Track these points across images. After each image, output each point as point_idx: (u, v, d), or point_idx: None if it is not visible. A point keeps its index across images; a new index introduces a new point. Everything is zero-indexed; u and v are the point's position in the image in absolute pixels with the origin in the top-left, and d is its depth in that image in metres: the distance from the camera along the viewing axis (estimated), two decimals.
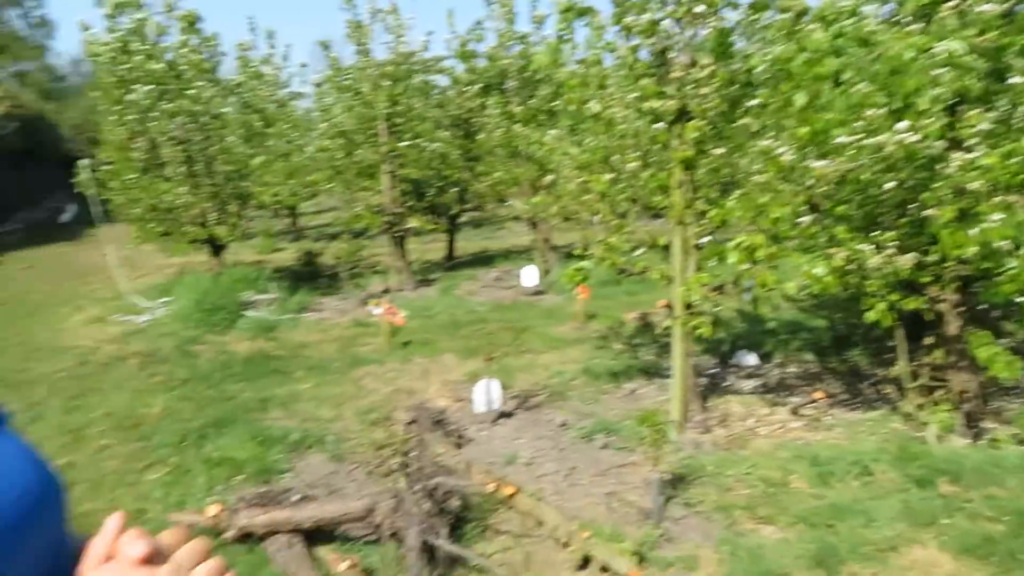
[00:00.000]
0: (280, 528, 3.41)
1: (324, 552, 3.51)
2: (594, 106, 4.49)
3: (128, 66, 8.15)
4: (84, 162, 9.32)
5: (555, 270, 10.40)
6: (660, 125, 4.37)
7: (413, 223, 10.10)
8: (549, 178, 5.27)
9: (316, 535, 3.57)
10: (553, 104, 7.69)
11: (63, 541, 0.80)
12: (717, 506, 3.90)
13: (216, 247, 9.55)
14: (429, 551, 3.21)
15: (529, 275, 9.39)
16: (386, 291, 9.81)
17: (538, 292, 9.64)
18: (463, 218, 13.17)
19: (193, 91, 8.28)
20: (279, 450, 4.76)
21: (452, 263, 11.82)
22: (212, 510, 3.51)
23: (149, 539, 0.73)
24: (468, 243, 14.60)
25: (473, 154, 10.78)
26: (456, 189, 11.02)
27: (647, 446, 3.84)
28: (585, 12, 4.46)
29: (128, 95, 8.22)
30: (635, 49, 4.38)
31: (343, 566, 3.29)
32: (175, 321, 8.24)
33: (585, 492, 4.17)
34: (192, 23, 8.52)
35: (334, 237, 15.65)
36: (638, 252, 4.87)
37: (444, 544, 3.22)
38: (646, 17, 4.23)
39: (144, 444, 4.98)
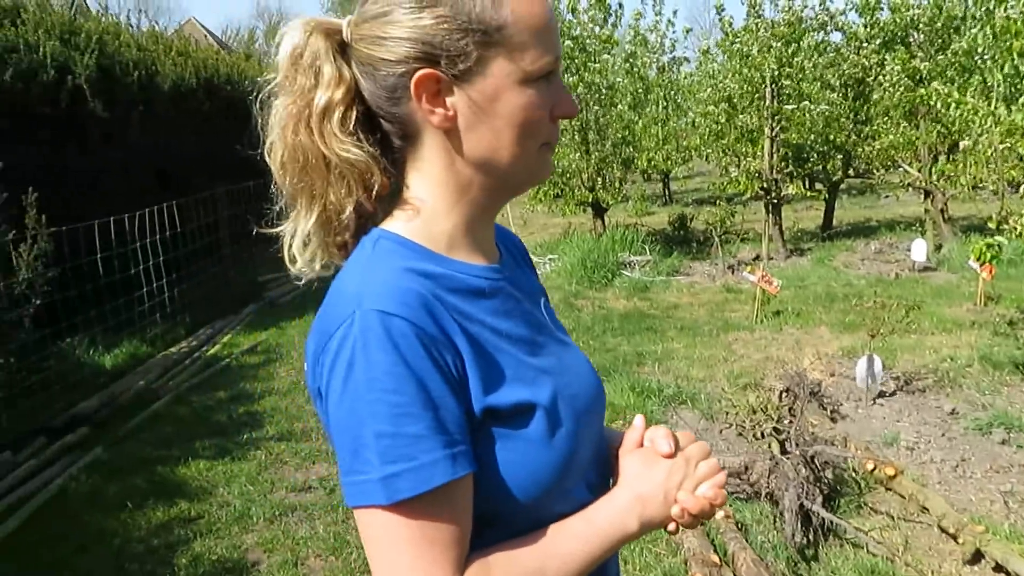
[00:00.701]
0: None
1: None
2: None
3: None
4: None
5: (949, 244, 9.39)
6: None
7: (791, 190, 9.82)
8: (965, 142, 4.82)
9: None
10: (971, 56, 6.87)
11: (602, 430, 1.09)
12: None
13: (599, 209, 10.30)
14: (804, 515, 3.31)
15: (919, 249, 8.62)
16: (756, 258, 9.73)
17: (927, 268, 8.82)
18: (844, 185, 12.41)
19: (596, 64, 8.95)
20: (655, 402, 5.15)
21: (829, 232, 11.25)
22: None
23: (673, 438, 0.99)
24: (848, 212, 13.73)
25: (864, 116, 10.08)
26: (841, 154, 10.43)
27: None
28: None
29: None
30: None
31: (718, 516, 3.54)
32: (560, 276, 9.13)
33: (978, 486, 3.89)
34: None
35: (704, 202, 15.79)
36: None
37: (820, 511, 3.29)
38: None
39: None
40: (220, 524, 3.83)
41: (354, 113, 0.94)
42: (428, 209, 0.95)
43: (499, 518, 0.90)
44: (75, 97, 6.86)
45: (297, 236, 0.98)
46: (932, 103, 5.13)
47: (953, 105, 4.72)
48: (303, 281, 1.03)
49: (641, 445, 1.02)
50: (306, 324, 7.61)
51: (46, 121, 6.51)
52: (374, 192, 0.95)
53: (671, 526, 0.97)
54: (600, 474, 1.03)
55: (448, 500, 0.82)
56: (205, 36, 28.50)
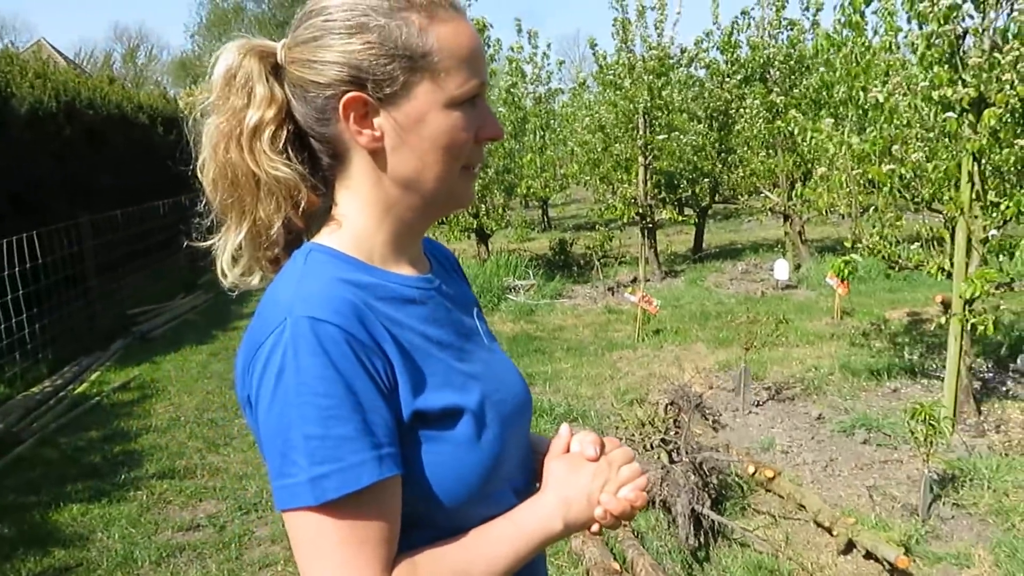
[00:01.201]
0: None
1: None
2: (877, 94, 4.44)
3: None
4: None
5: (807, 264, 10.12)
6: (950, 114, 4.24)
7: (664, 215, 10.31)
8: (820, 170, 5.24)
9: None
10: (821, 92, 7.51)
11: (528, 436, 1.14)
12: (992, 510, 3.78)
13: (483, 235, 10.44)
14: (696, 519, 3.48)
15: (781, 268, 9.24)
16: (635, 280, 10.13)
17: (789, 286, 9.46)
18: (711, 210, 13.14)
19: None
20: (547, 421, 5.26)
21: (700, 255, 11.87)
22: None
23: (600, 443, 1.04)
24: (715, 235, 14.51)
25: (728, 146, 10.76)
26: (708, 181, 11.06)
27: (916, 442, 3.81)
28: None
29: None
30: (929, 36, 4.28)
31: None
32: None
33: (846, 483, 4.21)
34: (481, 30, 9.40)
35: (581, 228, 16.27)
36: (914, 245, 4.74)
37: (710, 514, 3.47)
38: (945, 2, 4.13)
39: None
40: (101, 570, 3.61)
41: (284, 132, 0.98)
42: (357, 225, 0.99)
43: (426, 520, 0.93)
44: None
45: (227, 251, 1.01)
46: (790, 131, 5.56)
47: (809, 134, 5.13)
48: (235, 294, 1.07)
49: (567, 451, 1.06)
50: (182, 358, 7.29)
51: None
52: (301, 208, 0.99)
53: (594, 527, 1.02)
54: (526, 479, 1.08)
55: (376, 501, 0.85)
56: (56, 58, 26.88)
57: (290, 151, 0.98)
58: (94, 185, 9.27)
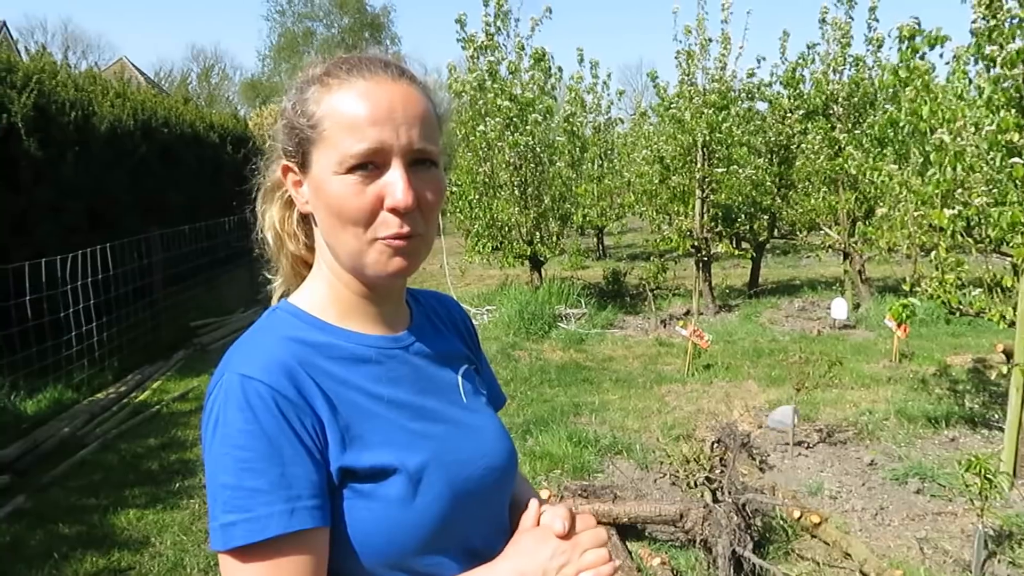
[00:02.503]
0: (600, 519, 3.85)
1: (634, 547, 3.90)
2: (944, 136, 4.37)
3: (482, 102, 9.39)
4: None
5: (867, 304, 9.90)
6: (1016, 160, 4.15)
7: (720, 248, 10.23)
8: (881, 209, 5.17)
9: (626, 531, 3.96)
10: (886, 130, 7.42)
11: (507, 499, 1.14)
12: None
13: (536, 262, 10.50)
14: (736, 562, 3.44)
15: (839, 307, 9.06)
16: (687, 313, 10.06)
17: (847, 326, 9.27)
18: (769, 245, 12.98)
19: (532, 125, 9.25)
20: (591, 452, 5.25)
21: (755, 290, 11.71)
22: (544, 494, 4.05)
23: (568, 520, 1.01)
24: (772, 271, 14.31)
25: (788, 181, 10.64)
26: (767, 216, 10.94)
27: (971, 495, 3.70)
28: (937, 41, 4.39)
29: (479, 127, 9.44)
30: (996, 80, 4.21)
31: (655, 562, 3.64)
32: (497, 327, 9.23)
33: (896, 534, 4.10)
34: (540, 59, 9.56)
35: (636, 258, 16.22)
36: (976, 292, 4.63)
37: (752, 557, 3.43)
38: (1014, 46, 4.06)
39: None
40: (152, 575, 3.74)
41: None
42: (318, 285, 1.07)
43: (351, 571, 0.95)
44: (8, 135, 6.72)
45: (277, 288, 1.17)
46: (847, 168, 5.50)
47: (869, 172, 5.07)
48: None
49: (538, 524, 1.05)
50: None
51: None
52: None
53: None
54: (489, 541, 1.06)
55: (288, 552, 0.89)
56: (137, 76, 28.09)
57: (295, 217, 1.12)
58: (165, 201, 9.66)
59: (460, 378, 1.13)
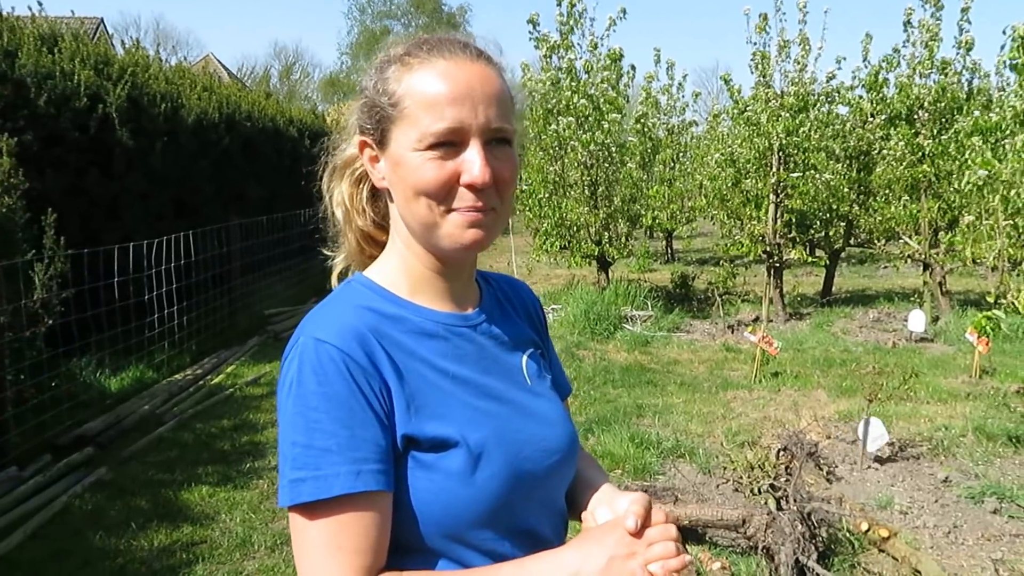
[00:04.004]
0: None
1: (694, 551, 3.86)
2: None
3: (555, 100, 9.41)
4: None
5: (946, 317, 9.53)
6: None
7: (792, 255, 10.00)
8: (968, 217, 4.99)
9: (686, 535, 3.92)
10: (972, 138, 7.17)
11: (564, 485, 1.15)
12: None
13: (604, 263, 10.46)
14: (800, 571, 3.38)
15: (916, 319, 8.75)
16: (756, 320, 9.86)
17: (924, 339, 8.94)
18: (844, 253, 12.62)
19: (607, 124, 9.22)
20: (653, 454, 5.22)
21: (828, 299, 11.40)
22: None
23: (642, 518, 0.99)
24: (847, 280, 13.91)
25: (866, 188, 10.32)
26: (843, 223, 10.64)
27: None
28: None
29: (551, 125, 9.46)
30: None
31: (715, 567, 3.60)
32: (563, 326, 9.24)
33: (969, 553, 3.95)
34: (616, 59, 9.52)
35: (705, 262, 15.98)
36: None
37: (816, 567, 3.36)
38: None
39: None
40: (222, 550, 3.88)
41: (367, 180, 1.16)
42: (392, 260, 1.11)
43: (416, 545, 0.98)
44: (104, 125, 7.06)
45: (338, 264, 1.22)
46: (936, 175, 5.31)
47: (978, 167, 4.84)
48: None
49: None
50: None
51: (73, 146, 6.70)
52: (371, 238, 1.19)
53: None
54: (545, 525, 1.07)
55: (354, 511, 0.92)
56: (221, 72, 29.06)
57: (365, 193, 1.16)
58: (245, 192, 9.99)
59: (525, 361, 1.15)
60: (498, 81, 1.03)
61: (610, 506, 1.09)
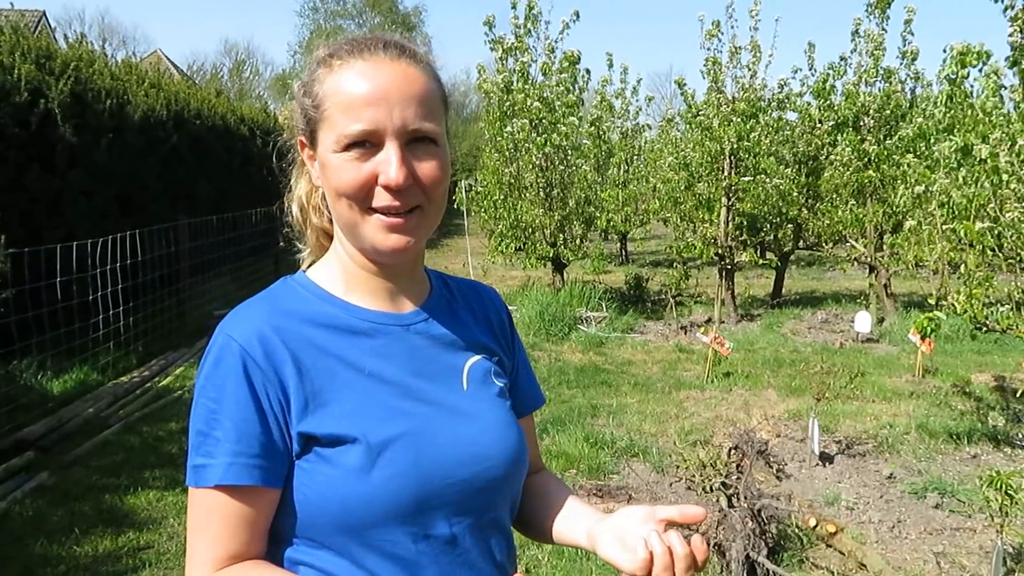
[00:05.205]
0: None
1: None
2: (982, 151, 4.33)
3: (510, 103, 9.42)
4: (464, 183, 10.88)
5: (891, 318, 9.80)
6: None
7: (743, 257, 10.17)
8: (911, 222, 5.13)
9: None
10: (916, 143, 7.37)
11: (502, 495, 1.11)
12: None
13: (559, 265, 10.51)
14: (750, 567, 3.43)
15: (863, 321, 8.97)
16: (709, 321, 10.01)
17: (870, 339, 9.17)
18: (793, 256, 12.88)
19: (564, 127, 9.27)
20: (608, 453, 5.26)
21: (778, 300, 11.63)
22: None
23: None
24: (796, 282, 14.21)
25: (815, 192, 10.56)
26: (792, 226, 10.87)
27: (991, 511, 3.65)
28: (979, 58, 4.36)
29: (506, 128, 9.47)
30: None
31: None
32: (518, 327, 9.17)
33: (912, 547, 4.07)
34: (573, 62, 9.57)
35: (658, 264, 16.16)
36: (1003, 308, 4.58)
37: (765, 563, 3.41)
38: None
39: None
40: (169, 555, 3.79)
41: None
42: (334, 256, 1.12)
43: (313, 536, 1.00)
44: (46, 120, 6.85)
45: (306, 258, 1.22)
46: (880, 180, 5.46)
47: (915, 177, 5.02)
48: None
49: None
50: None
51: (13, 141, 6.49)
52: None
53: None
54: (471, 534, 1.04)
55: (220, 500, 0.96)
56: (171, 69, 28.45)
57: (321, 192, 1.15)
58: (194, 190, 9.79)
59: (469, 365, 1.12)
60: (421, 79, 1.02)
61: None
